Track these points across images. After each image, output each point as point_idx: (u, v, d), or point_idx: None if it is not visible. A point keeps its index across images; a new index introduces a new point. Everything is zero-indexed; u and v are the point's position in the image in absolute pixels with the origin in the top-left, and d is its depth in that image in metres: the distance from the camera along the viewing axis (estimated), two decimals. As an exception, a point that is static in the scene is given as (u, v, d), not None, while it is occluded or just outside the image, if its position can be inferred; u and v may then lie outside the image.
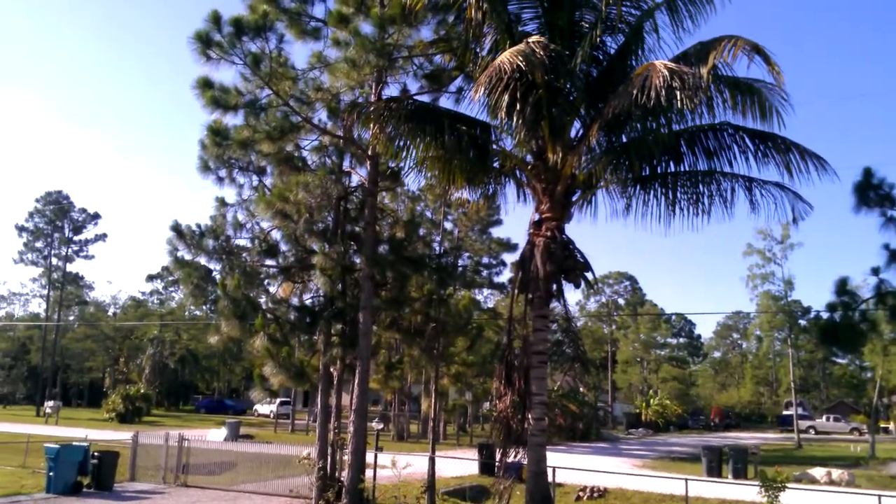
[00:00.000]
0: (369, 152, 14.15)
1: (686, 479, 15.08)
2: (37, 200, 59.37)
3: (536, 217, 11.03)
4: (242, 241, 15.56)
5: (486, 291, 39.49)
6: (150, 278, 73.03)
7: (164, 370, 64.43)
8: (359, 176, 15.42)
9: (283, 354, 13.89)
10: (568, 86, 10.80)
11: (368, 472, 15.04)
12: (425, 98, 13.93)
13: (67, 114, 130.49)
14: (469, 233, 31.29)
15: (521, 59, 8.97)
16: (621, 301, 77.14)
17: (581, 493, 18.17)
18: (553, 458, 12.06)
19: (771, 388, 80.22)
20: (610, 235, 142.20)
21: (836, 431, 55.61)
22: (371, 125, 11.22)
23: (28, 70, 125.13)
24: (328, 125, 14.85)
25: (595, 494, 18.16)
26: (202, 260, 15.03)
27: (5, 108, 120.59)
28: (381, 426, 21.33)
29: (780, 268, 45.04)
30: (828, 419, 59.00)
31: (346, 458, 14.19)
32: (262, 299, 15.33)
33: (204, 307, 56.88)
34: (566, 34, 11.11)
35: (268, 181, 15.61)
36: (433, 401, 20.22)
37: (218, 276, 14.82)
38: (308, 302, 15.89)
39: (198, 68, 12.67)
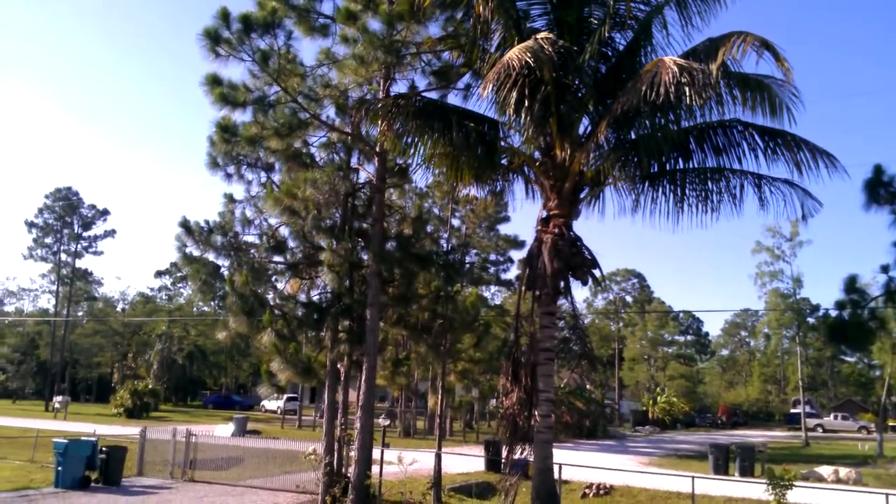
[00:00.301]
0: (377, 149, 14.17)
1: (693, 477, 15.08)
2: (46, 196, 59.60)
3: (544, 214, 10.99)
4: (250, 238, 15.66)
5: (493, 288, 39.65)
6: (159, 274, 73.79)
7: (172, 366, 64.81)
8: (367, 172, 15.46)
9: (291, 350, 13.96)
10: (576, 82, 10.74)
11: (375, 469, 15.11)
12: (433, 95, 13.97)
13: (72, 109, 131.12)
14: (477, 229, 31.24)
15: (529, 55, 8.92)
16: (629, 298, 76.90)
17: (587, 491, 18.17)
18: (559, 455, 12.06)
19: (779, 386, 79.82)
20: (618, 232, 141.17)
21: (843, 430, 55.34)
22: (379, 122, 11.20)
23: (32, 67, 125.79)
24: (336, 122, 14.89)
25: (601, 492, 18.17)
26: (210, 256, 15.15)
27: (14, 103, 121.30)
28: (387, 422, 21.36)
29: (788, 265, 44.95)
30: (836, 417, 58.73)
31: (352, 454, 14.24)
32: (270, 295, 15.43)
33: (212, 303, 57.29)
34: (575, 30, 11.06)
35: (276, 178, 15.70)
36: (440, 397, 20.17)
37: (226, 273, 14.93)
38: (315, 298, 15.95)
39: (206, 65, 12.77)
